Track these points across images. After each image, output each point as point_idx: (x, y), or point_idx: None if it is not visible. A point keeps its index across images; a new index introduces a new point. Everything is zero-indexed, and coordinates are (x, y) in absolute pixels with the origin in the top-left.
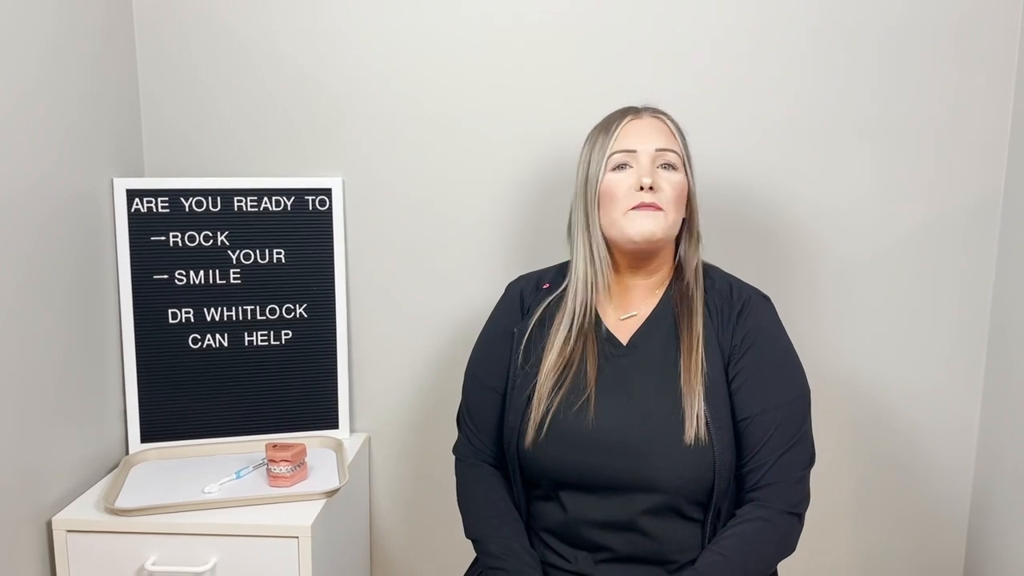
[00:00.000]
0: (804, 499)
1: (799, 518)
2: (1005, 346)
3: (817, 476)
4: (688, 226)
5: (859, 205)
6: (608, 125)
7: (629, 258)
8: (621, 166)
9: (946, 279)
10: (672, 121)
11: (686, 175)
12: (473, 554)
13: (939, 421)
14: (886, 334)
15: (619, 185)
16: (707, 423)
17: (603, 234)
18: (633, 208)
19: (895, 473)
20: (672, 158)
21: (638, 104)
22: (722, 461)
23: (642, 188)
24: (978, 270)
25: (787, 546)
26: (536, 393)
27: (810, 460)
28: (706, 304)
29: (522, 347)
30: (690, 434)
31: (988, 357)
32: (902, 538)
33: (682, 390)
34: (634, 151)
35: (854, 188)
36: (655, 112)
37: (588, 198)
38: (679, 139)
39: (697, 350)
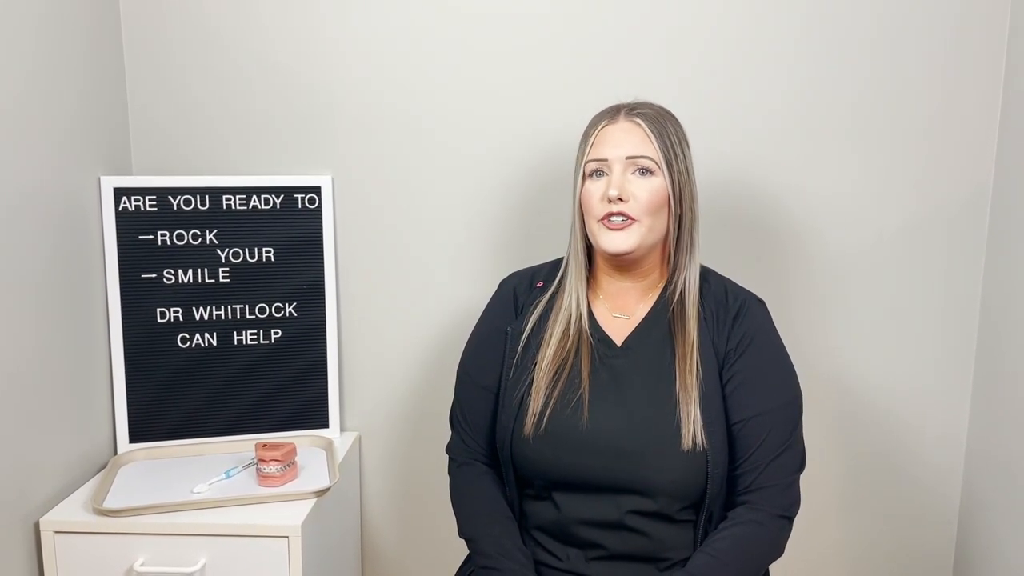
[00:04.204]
0: (795, 503)
1: (789, 521)
2: (995, 344)
3: (807, 475)
4: (678, 231)
5: (848, 202)
6: (587, 133)
7: (613, 264)
8: (597, 173)
9: (935, 276)
10: (652, 122)
11: (667, 179)
12: (465, 552)
13: (928, 420)
14: (875, 332)
15: (593, 194)
16: (702, 430)
17: (586, 241)
18: (604, 219)
19: (885, 472)
20: (646, 163)
21: (629, 99)
22: (715, 465)
23: (610, 200)
24: (968, 266)
25: (777, 549)
26: (533, 387)
27: (801, 464)
28: (701, 307)
29: (519, 347)
30: (687, 440)
31: (978, 355)
32: (892, 537)
33: (677, 395)
34: (606, 159)
35: (842, 185)
36: (633, 115)
37: (575, 203)
38: (656, 143)
39: (692, 356)
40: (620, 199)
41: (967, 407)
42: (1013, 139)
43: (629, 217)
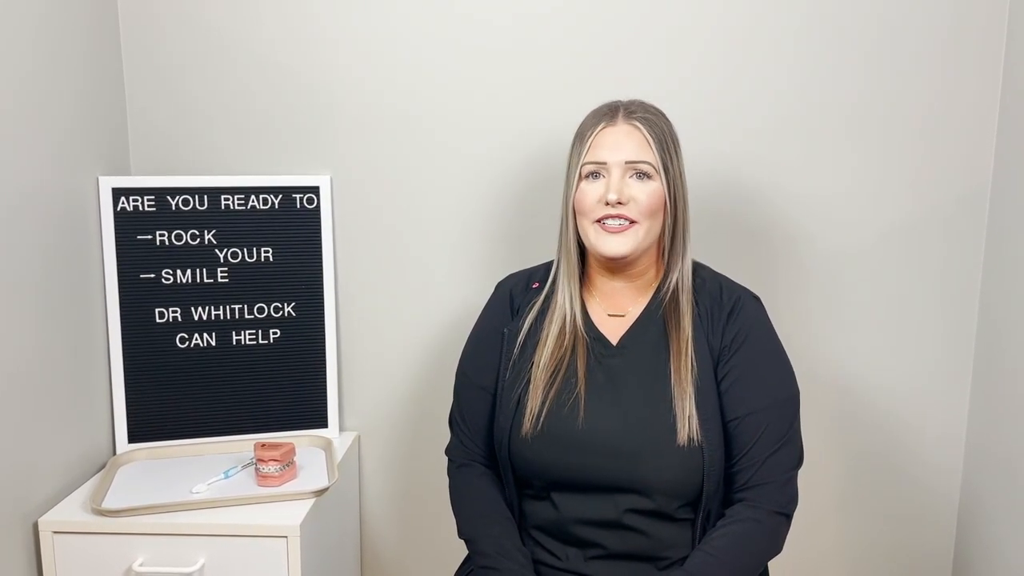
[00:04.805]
0: (792, 499)
1: (787, 518)
2: (993, 343)
3: (806, 474)
4: (672, 232)
5: (846, 201)
6: (583, 132)
7: (607, 265)
8: (594, 175)
9: (934, 275)
10: (651, 126)
11: (663, 183)
12: (464, 552)
13: (928, 419)
14: (873, 331)
15: (589, 196)
16: (698, 426)
17: (579, 240)
18: (600, 220)
19: (884, 472)
20: (645, 168)
21: (623, 99)
22: (711, 463)
23: (608, 203)
24: (966, 266)
25: (775, 546)
26: (530, 387)
27: (798, 461)
28: (696, 304)
29: (516, 348)
30: (682, 437)
31: (976, 354)
32: (891, 537)
33: (673, 393)
34: (604, 163)
35: (841, 184)
36: (632, 117)
37: (566, 203)
38: (654, 148)
39: (687, 353)
40: (620, 203)
41: (966, 406)
42: (1011, 139)
43: (629, 219)
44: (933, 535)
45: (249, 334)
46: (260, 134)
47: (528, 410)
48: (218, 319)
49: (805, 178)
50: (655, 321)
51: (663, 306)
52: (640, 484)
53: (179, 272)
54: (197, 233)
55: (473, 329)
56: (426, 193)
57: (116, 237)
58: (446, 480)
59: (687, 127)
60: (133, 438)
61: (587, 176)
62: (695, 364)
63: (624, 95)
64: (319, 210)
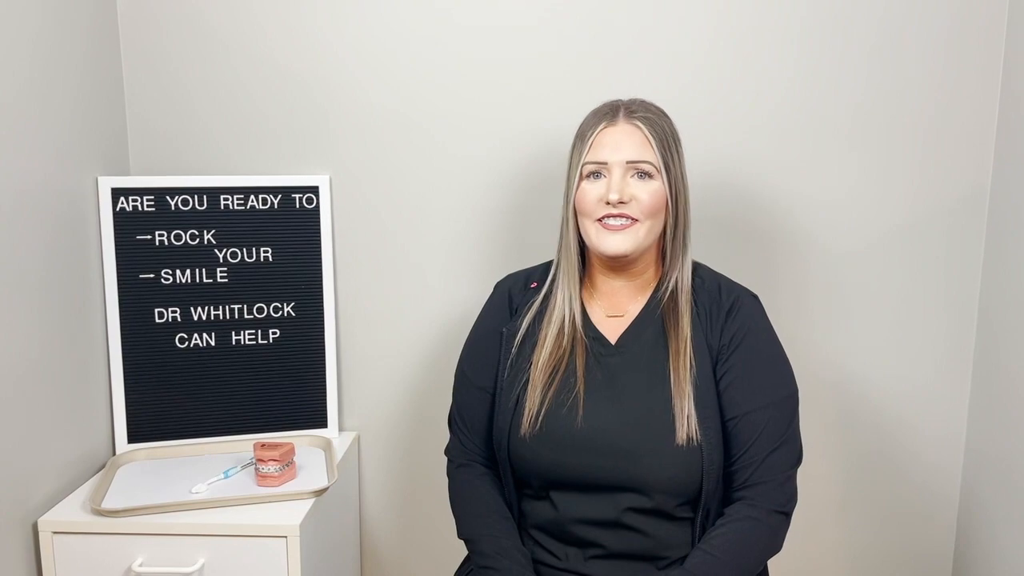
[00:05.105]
0: (792, 498)
1: (787, 517)
2: (993, 344)
3: (805, 475)
4: (673, 231)
5: (847, 202)
6: (584, 132)
7: (609, 264)
8: (595, 175)
9: (934, 276)
10: (652, 125)
11: (664, 182)
12: (464, 553)
13: (927, 419)
14: (873, 332)
15: (590, 195)
16: (696, 425)
17: (580, 240)
18: (602, 220)
19: (884, 472)
20: (646, 167)
21: (624, 98)
22: (710, 462)
23: (609, 203)
24: (966, 266)
25: (775, 545)
26: (529, 387)
27: (798, 459)
28: (694, 303)
29: (514, 348)
30: (681, 436)
31: (976, 354)
32: (890, 537)
33: (671, 391)
34: (605, 163)
35: (841, 184)
36: (632, 117)
37: (567, 203)
38: (655, 147)
39: (685, 352)
40: (621, 202)
41: (966, 407)
42: (1011, 139)
43: (631, 218)
44: (933, 535)
45: (249, 334)
46: (259, 134)
47: (527, 410)
48: (218, 319)
49: (806, 178)
50: (654, 320)
51: (662, 305)
52: (639, 483)
53: (178, 272)
54: (196, 233)
55: (472, 329)
56: (425, 193)
57: (115, 237)
58: (446, 480)
59: (689, 127)
60: (133, 438)
61: (588, 176)
62: (694, 363)
63: (626, 96)
64: (318, 210)
